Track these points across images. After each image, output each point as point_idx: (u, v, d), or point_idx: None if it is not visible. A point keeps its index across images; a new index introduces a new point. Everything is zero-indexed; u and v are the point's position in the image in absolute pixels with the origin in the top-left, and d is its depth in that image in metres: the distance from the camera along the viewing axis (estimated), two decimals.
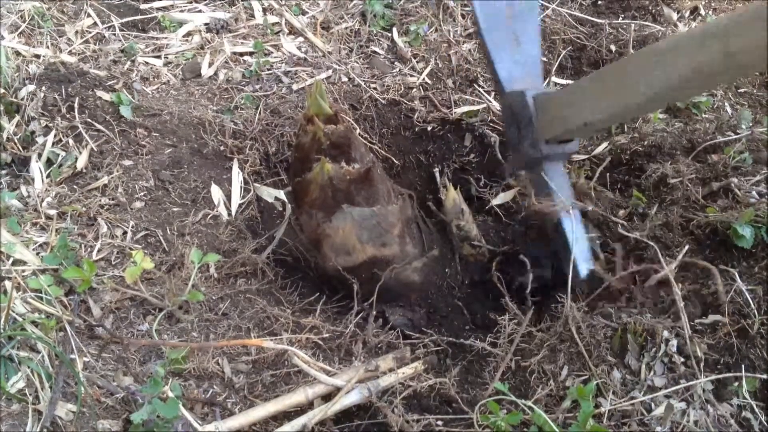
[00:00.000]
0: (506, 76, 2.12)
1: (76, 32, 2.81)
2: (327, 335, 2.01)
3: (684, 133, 2.41)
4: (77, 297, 1.88)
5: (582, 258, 2.06)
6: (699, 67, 1.60)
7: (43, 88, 2.40)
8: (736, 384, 1.67)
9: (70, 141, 2.29)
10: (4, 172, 2.24)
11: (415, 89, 2.75)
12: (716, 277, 1.83)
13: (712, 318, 1.79)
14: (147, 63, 2.74)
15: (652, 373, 1.72)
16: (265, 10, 3.02)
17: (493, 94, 2.78)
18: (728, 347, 1.73)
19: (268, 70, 2.77)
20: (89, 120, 2.35)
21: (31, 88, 2.39)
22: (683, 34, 1.64)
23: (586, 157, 2.50)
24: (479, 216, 2.61)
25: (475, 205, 2.63)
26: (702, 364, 1.71)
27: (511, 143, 2.16)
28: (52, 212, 2.09)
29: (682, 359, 1.72)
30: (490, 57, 2.13)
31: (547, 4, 2.98)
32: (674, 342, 1.74)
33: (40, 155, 2.26)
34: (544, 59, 2.87)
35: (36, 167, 2.22)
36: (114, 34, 2.85)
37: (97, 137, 2.32)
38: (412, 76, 2.80)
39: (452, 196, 2.48)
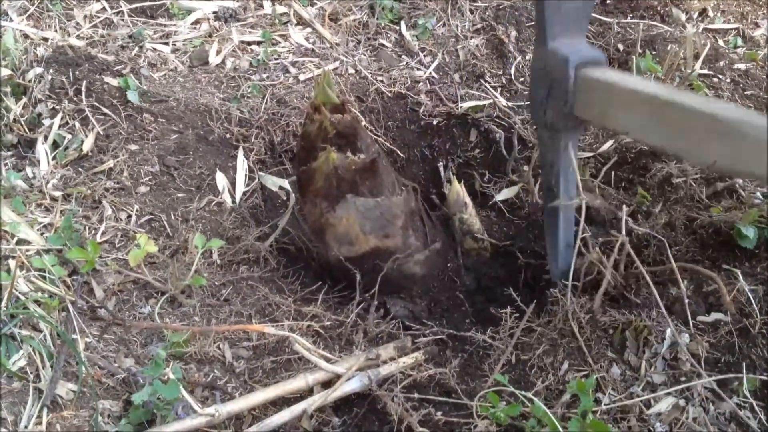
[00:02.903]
0: (552, 28, 1.90)
1: (85, 16, 2.82)
2: (328, 324, 2.01)
3: None
4: (80, 278, 1.88)
5: (563, 254, 2.04)
6: None
7: (51, 70, 2.40)
8: (736, 383, 1.68)
9: (77, 124, 2.30)
10: (9, 153, 2.25)
11: (421, 83, 2.75)
12: (721, 287, 1.83)
13: (713, 316, 1.79)
14: (155, 49, 2.75)
15: (652, 369, 1.73)
16: (273, 0, 3.02)
17: (499, 90, 2.78)
18: (729, 346, 1.74)
19: (276, 59, 2.77)
20: (96, 104, 2.36)
21: (38, 70, 2.40)
22: None
23: (592, 155, 2.49)
24: (483, 211, 2.61)
25: (479, 200, 2.63)
26: (702, 363, 1.72)
27: (533, 99, 2.01)
28: (57, 194, 2.09)
29: (683, 357, 1.72)
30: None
31: None
32: (675, 340, 1.75)
33: (46, 137, 2.26)
34: None
35: (42, 149, 2.22)
36: (122, 20, 2.85)
37: (103, 121, 2.33)
38: (419, 69, 2.80)
39: (456, 190, 2.48)
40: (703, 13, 3.08)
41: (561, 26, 1.90)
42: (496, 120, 2.69)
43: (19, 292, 1.75)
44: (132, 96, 2.39)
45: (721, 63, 2.81)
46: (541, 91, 1.92)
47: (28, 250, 1.88)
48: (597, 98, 1.81)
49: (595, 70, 1.83)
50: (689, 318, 1.79)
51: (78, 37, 2.71)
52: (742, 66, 2.80)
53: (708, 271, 1.88)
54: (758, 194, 2.07)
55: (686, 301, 1.81)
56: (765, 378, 1.67)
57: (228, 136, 2.46)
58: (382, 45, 2.87)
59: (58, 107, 2.33)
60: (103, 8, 2.88)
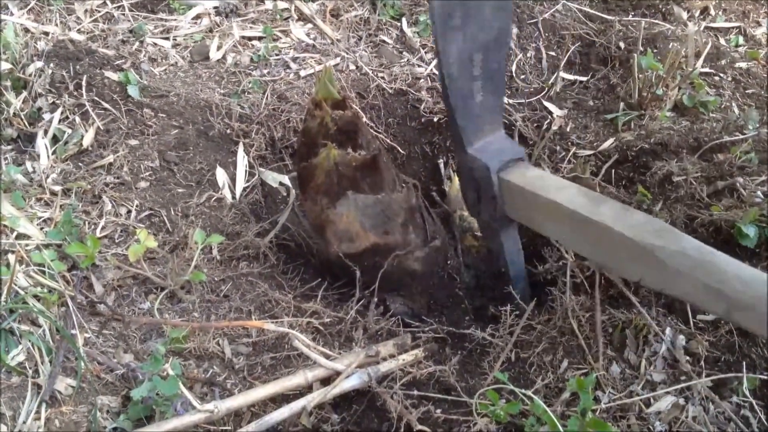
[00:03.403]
0: (468, 135, 1.87)
1: (86, 11, 2.81)
2: (328, 320, 2.01)
3: (690, 131, 2.40)
4: (80, 273, 1.88)
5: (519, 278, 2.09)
6: (699, 302, 1.50)
7: (51, 65, 2.40)
8: (736, 382, 1.68)
9: (77, 119, 2.29)
10: (9, 147, 2.24)
11: (422, 79, 2.75)
12: None
13: (713, 315, 1.79)
14: (155, 44, 2.74)
15: (651, 368, 1.73)
16: None
17: None
18: (729, 345, 1.74)
19: (277, 55, 2.76)
20: (96, 98, 2.35)
21: (39, 64, 2.39)
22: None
23: (592, 152, 2.49)
24: None
25: None
26: (702, 362, 1.71)
27: (467, 201, 2.03)
28: (57, 188, 2.09)
29: (683, 356, 1.72)
30: (451, 107, 1.81)
31: None
32: (675, 338, 1.75)
33: (46, 132, 2.25)
34: (553, 54, 2.87)
35: (42, 143, 2.22)
36: (123, 14, 2.85)
37: (103, 116, 2.32)
38: (420, 66, 2.79)
39: (456, 187, 2.48)
40: (704, 11, 3.07)
41: (475, 129, 1.88)
42: None
43: (19, 287, 1.74)
44: (132, 90, 2.39)
45: (723, 61, 2.80)
46: (472, 194, 1.96)
47: (27, 245, 1.87)
48: (522, 204, 1.83)
49: (516, 172, 1.84)
50: (689, 317, 1.79)
51: (78, 31, 2.71)
52: (743, 64, 2.80)
53: None
54: (759, 193, 2.06)
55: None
56: (765, 377, 1.67)
57: (228, 131, 2.46)
58: (384, 41, 2.87)
59: (58, 102, 2.32)
60: (104, 2, 2.88)
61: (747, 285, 1.39)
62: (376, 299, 2.11)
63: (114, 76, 2.43)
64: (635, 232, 1.55)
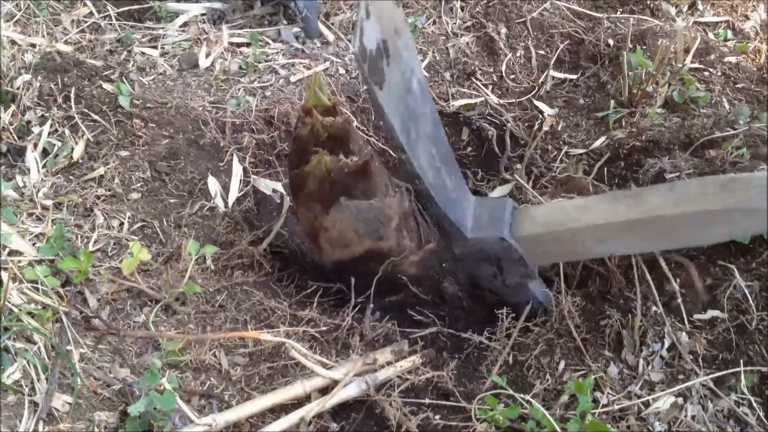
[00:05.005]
0: (460, 219, 1.87)
1: (72, 21, 2.80)
2: (324, 328, 2.01)
3: (682, 128, 2.40)
4: (74, 288, 1.87)
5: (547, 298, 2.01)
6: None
7: (39, 77, 2.38)
8: (734, 380, 1.68)
9: (66, 131, 2.28)
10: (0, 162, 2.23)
11: None
12: (692, 273, 1.84)
13: (710, 314, 1.79)
14: (143, 53, 2.73)
15: (649, 368, 1.73)
16: (263, 1, 3.00)
17: (490, 88, 2.77)
18: (726, 343, 1.74)
19: (266, 61, 2.75)
20: (85, 110, 2.33)
21: (26, 77, 2.37)
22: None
23: (584, 151, 2.49)
24: None
25: None
26: (700, 360, 1.72)
27: (482, 280, 2.01)
28: (48, 203, 2.07)
29: (681, 355, 1.72)
30: (440, 207, 1.83)
31: None
32: (672, 337, 1.75)
33: (35, 145, 2.24)
34: (542, 52, 2.86)
35: (32, 157, 2.20)
36: (110, 24, 2.83)
37: (93, 127, 2.31)
38: None
39: None
40: (692, 6, 3.07)
41: (462, 214, 1.89)
42: (488, 118, 2.68)
43: (12, 305, 1.73)
44: (123, 101, 2.37)
45: (712, 56, 2.80)
46: (489, 269, 1.93)
47: (20, 261, 1.86)
48: (553, 246, 1.81)
49: (524, 223, 1.83)
50: (684, 316, 1.79)
51: (66, 42, 2.69)
52: (732, 59, 2.80)
53: (681, 258, 1.88)
54: None
55: (679, 300, 1.81)
56: (763, 371, 1.68)
57: (219, 139, 2.44)
58: None
59: (47, 114, 2.30)
60: (90, 12, 2.86)
61: None
62: (372, 305, 2.10)
63: (103, 86, 2.42)
64: (696, 204, 1.57)
